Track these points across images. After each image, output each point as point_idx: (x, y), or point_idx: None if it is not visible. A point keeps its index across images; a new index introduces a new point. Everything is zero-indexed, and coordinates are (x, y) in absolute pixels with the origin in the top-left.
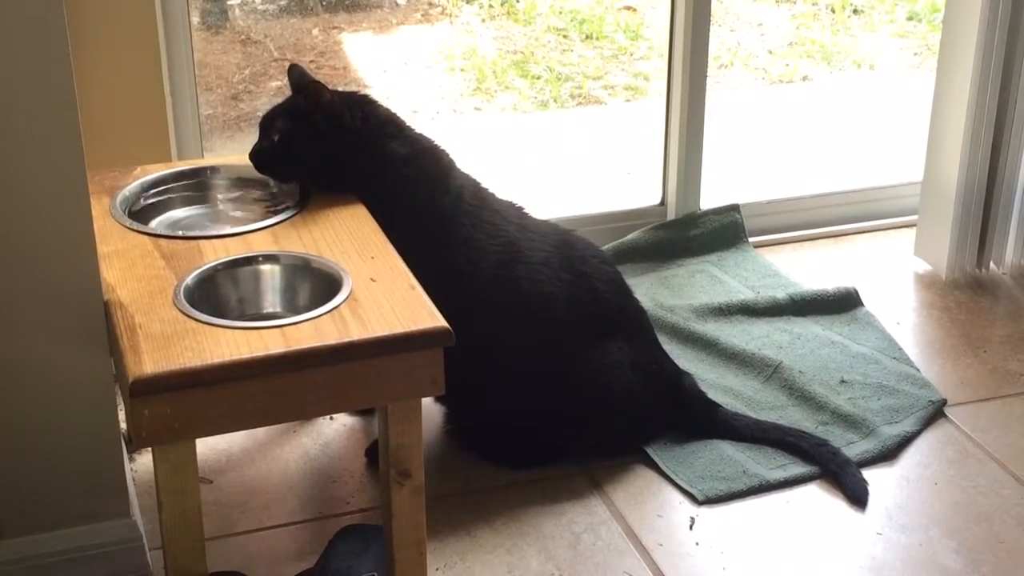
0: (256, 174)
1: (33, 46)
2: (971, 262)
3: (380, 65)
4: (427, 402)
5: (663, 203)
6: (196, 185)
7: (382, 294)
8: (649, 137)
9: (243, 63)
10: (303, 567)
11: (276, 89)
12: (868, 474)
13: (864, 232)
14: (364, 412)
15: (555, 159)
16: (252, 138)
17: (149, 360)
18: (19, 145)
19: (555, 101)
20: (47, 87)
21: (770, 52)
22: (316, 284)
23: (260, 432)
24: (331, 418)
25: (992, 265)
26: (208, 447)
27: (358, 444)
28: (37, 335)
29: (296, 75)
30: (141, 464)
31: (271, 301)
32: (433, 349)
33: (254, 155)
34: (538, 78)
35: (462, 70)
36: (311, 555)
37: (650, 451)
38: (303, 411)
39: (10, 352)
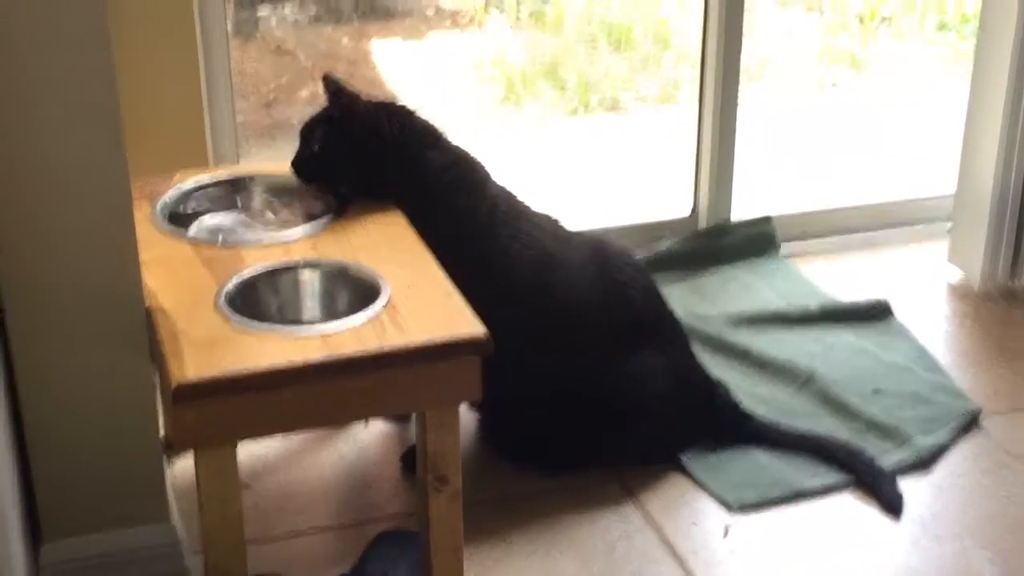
0: (294, 182)
1: (77, 51)
2: (1005, 272)
3: (411, 74)
4: (462, 407)
5: (694, 212)
6: (234, 192)
7: (420, 301)
8: (679, 145)
9: (276, 72)
10: (339, 571)
11: (306, 99)
12: (903, 483)
13: (896, 242)
14: (400, 418)
15: (585, 167)
16: (285, 145)
17: (192, 365)
18: (64, 149)
19: (584, 108)
20: (91, 91)
21: (799, 61)
22: (354, 291)
23: (296, 437)
24: (366, 424)
25: None
26: (245, 452)
27: (393, 450)
28: (80, 340)
29: (332, 85)
30: (180, 468)
31: (311, 308)
32: (471, 357)
33: (296, 164)
34: (565, 88)
35: (491, 79)
36: (347, 560)
37: (684, 459)
38: (341, 417)
39: (54, 356)
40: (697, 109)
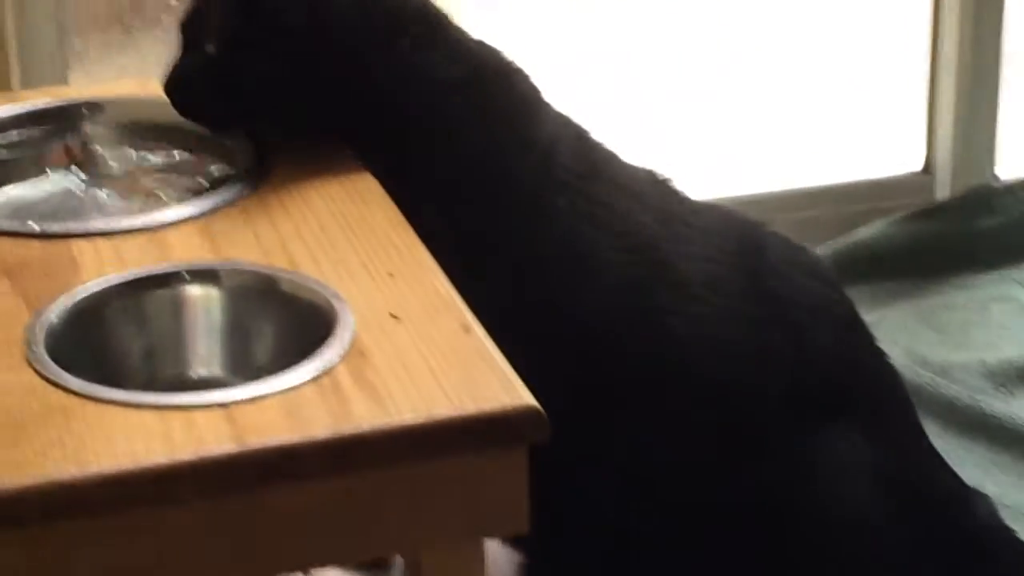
0: (175, 116)
1: None
2: None
3: None
4: (492, 544)
5: (928, 170)
6: (59, 136)
7: (411, 342)
8: (901, 57)
9: None
10: None
11: None
12: None
13: None
14: (374, 566)
15: (730, 89)
16: (150, 45)
17: None
18: None
19: None
20: None
21: None
22: (288, 323)
23: None
24: None
25: None
26: None
27: None
28: None
29: None
30: None
31: (206, 355)
32: (509, 448)
33: (173, 83)
34: None
35: None
36: None
37: None
38: (267, 561)
39: None
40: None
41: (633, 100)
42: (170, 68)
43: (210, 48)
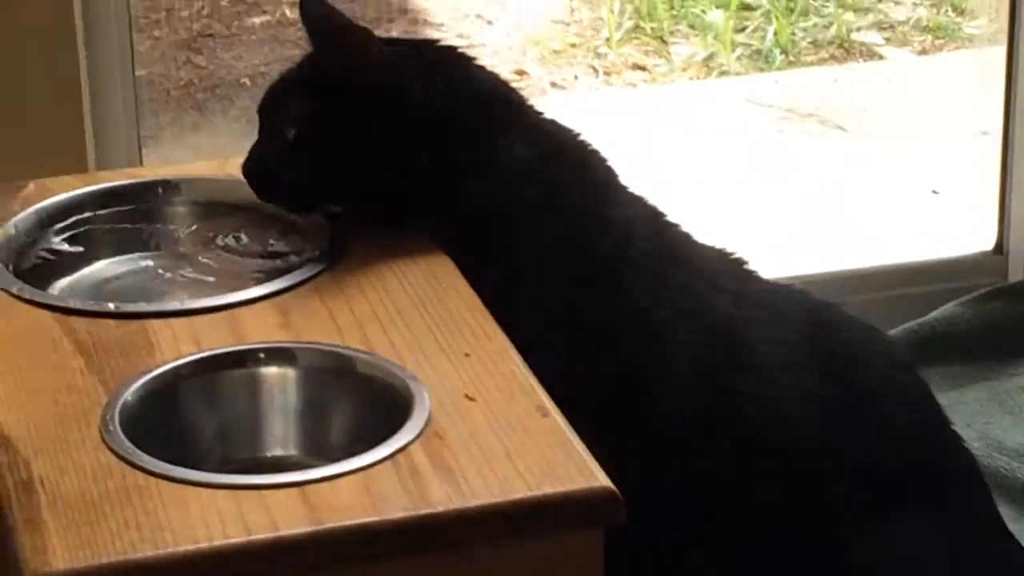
0: (251, 196)
1: None
2: None
3: None
4: None
5: (1000, 250)
6: (136, 218)
7: (487, 423)
8: (970, 126)
9: None
10: None
11: (267, 31)
12: None
13: None
14: None
15: (786, 161)
16: (226, 127)
17: (61, 544)
18: None
19: (784, 53)
20: None
21: None
22: (363, 403)
23: None
24: None
25: None
26: None
27: None
28: None
29: (316, 12)
30: None
31: (281, 436)
32: (585, 530)
33: (252, 166)
34: (753, 8)
35: None
36: None
37: None
38: None
39: None
40: (1006, 51)
41: (707, 179)
42: (251, 151)
43: (289, 132)
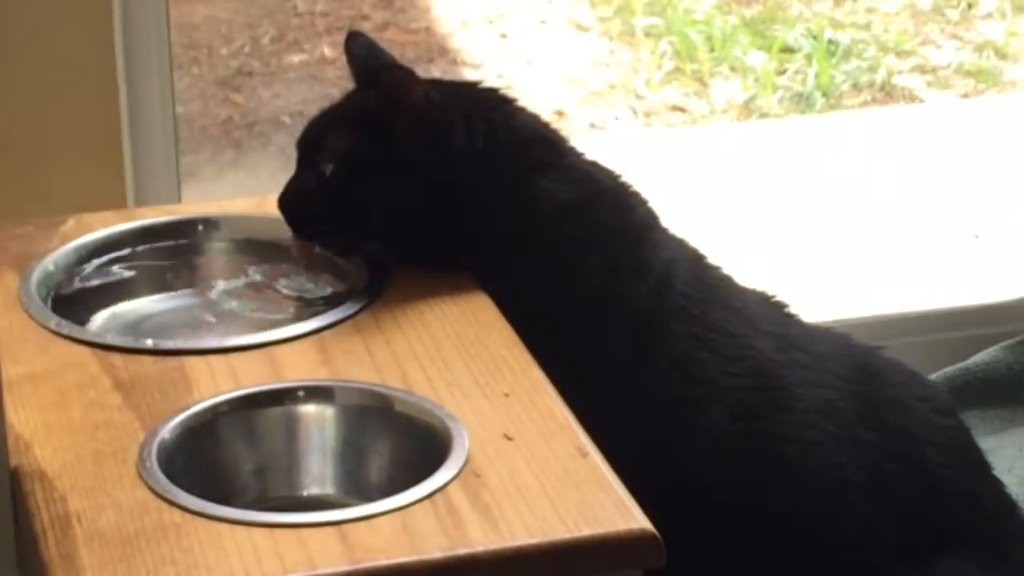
0: (286, 235)
1: None
2: None
3: (490, 26)
4: None
5: None
6: (175, 252)
7: (526, 463)
8: (1012, 170)
9: (248, 17)
10: None
11: (305, 70)
12: None
13: None
14: None
15: (826, 204)
16: (265, 163)
17: None
18: None
19: (825, 96)
20: None
21: None
22: (402, 442)
23: None
24: None
25: None
26: None
27: None
28: None
29: (362, 50)
30: None
31: (318, 474)
32: (625, 572)
33: (288, 202)
34: (794, 51)
35: (648, 35)
36: None
37: None
38: None
39: None
40: None
41: (747, 222)
42: (288, 186)
43: (327, 167)
